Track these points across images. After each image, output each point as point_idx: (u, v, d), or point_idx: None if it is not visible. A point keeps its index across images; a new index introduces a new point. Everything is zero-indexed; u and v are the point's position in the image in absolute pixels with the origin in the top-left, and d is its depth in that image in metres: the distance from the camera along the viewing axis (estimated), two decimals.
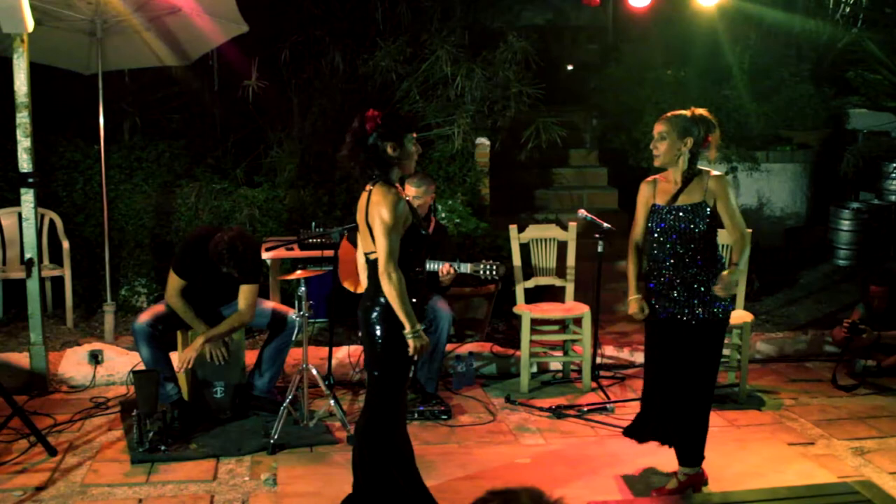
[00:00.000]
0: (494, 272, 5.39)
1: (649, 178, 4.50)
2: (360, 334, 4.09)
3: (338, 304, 5.76)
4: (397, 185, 3.91)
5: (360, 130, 3.83)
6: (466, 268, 5.42)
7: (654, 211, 4.41)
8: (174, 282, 5.25)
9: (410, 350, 3.83)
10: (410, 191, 5.35)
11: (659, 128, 4.32)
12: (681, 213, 4.30)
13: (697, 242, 4.29)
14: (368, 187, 3.88)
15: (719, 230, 4.40)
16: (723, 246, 6.12)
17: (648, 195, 4.46)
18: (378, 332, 3.85)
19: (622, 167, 8.75)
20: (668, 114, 4.35)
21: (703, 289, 4.30)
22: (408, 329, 3.79)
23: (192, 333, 5.32)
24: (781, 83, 8.98)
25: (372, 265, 3.88)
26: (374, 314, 3.85)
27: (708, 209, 4.28)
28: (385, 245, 3.73)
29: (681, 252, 4.32)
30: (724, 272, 4.23)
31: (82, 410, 5.49)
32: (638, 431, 4.64)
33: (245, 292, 5.28)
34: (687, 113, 4.31)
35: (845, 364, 6.24)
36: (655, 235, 4.39)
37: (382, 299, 3.82)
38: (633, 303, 4.52)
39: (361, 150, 3.84)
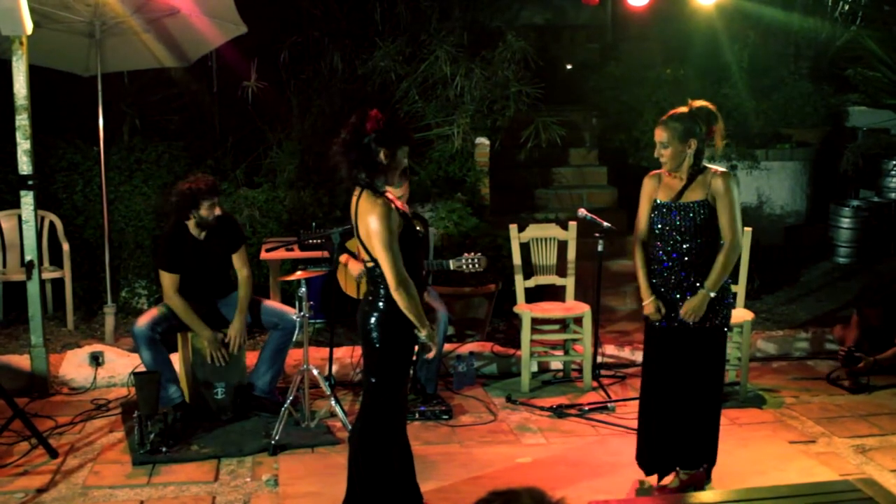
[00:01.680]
0: (477, 264, 5.38)
1: (653, 172, 4.42)
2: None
3: (338, 304, 5.76)
4: (386, 191, 3.81)
5: (359, 128, 3.75)
6: (450, 264, 5.41)
7: (655, 207, 4.33)
8: (168, 279, 5.29)
9: (432, 353, 3.90)
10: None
11: (660, 135, 4.23)
12: (683, 211, 4.24)
13: (699, 241, 4.25)
14: (358, 191, 3.81)
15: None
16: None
17: (652, 190, 4.37)
18: (376, 338, 3.83)
19: (622, 166, 8.74)
20: (668, 116, 4.25)
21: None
22: (423, 333, 3.82)
23: (193, 335, 5.33)
24: (781, 81, 8.98)
25: (370, 272, 3.86)
26: (373, 319, 3.83)
27: (710, 208, 4.22)
28: (389, 259, 3.67)
29: (683, 251, 4.26)
30: (693, 297, 4.20)
31: (83, 412, 5.49)
32: (650, 460, 4.51)
33: (237, 257, 5.50)
34: (685, 109, 4.23)
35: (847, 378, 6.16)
36: (657, 233, 4.33)
37: (381, 304, 3.80)
38: (650, 304, 4.35)
39: (354, 149, 3.75)
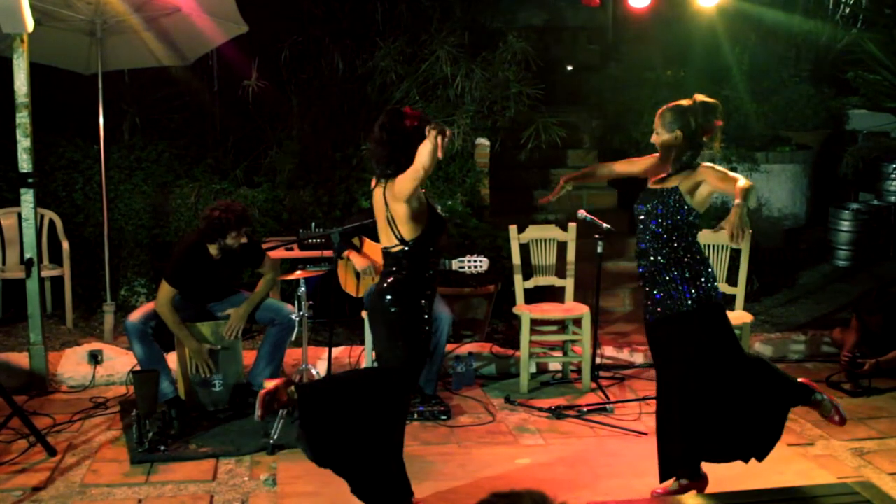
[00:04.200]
0: (479, 266, 5.39)
1: (658, 154, 4.38)
2: (369, 323, 4.23)
3: (337, 303, 5.77)
4: None
5: (398, 125, 3.95)
6: (451, 264, 5.42)
7: (642, 193, 4.34)
8: (166, 290, 5.29)
9: (433, 134, 3.69)
10: None
11: (655, 122, 4.27)
12: (657, 198, 4.20)
13: (664, 228, 4.17)
14: (381, 185, 3.98)
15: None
16: (723, 247, 6.14)
17: (645, 165, 4.41)
18: (393, 310, 3.96)
19: None
20: (665, 106, 4.26)
21: (669, 280, 4.17)
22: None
23: (190, 328, 5.35)
24: (781, 84, 8.98)
25: (392, 255, 4.00)
26: (388, 296, 3.96)
27: (678, 195, 4.15)
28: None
29: (651, 238, 4.22)
30: (730, 215, 3.85)
31: (82, 410, 5.49)
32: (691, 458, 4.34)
33: (263, 268, 5.57)
34: (685, 102, 4.20)
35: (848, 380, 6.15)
36: (636, 215, 4.33)
37: (400, 276, 3.96)
38: (557, 188, 4.68)
39: (397, 145, 3.95)
